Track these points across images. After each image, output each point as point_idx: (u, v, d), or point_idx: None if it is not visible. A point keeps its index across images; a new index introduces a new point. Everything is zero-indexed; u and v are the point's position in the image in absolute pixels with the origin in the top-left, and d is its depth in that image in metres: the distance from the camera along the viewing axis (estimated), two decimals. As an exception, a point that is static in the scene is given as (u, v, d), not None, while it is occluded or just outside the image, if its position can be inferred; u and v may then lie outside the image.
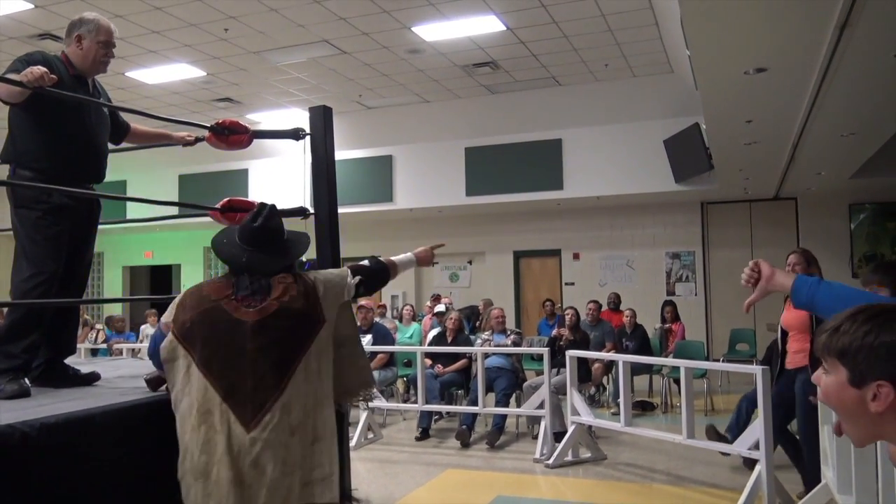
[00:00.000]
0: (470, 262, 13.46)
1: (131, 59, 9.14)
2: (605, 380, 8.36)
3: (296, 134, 3.95)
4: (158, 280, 16.10)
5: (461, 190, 11.46)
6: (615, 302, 9.69)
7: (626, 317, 8.42)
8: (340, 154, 11.25)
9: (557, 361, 6.73)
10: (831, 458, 4.03)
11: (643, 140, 10.34)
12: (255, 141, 4.01)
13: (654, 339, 8.91)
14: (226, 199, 3.68)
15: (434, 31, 8.54)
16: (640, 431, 5.64)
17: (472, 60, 9.64)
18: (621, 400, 5.51)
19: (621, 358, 5.74)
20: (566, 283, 12.54)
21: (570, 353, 6.04)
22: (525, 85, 10.85)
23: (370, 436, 6.71)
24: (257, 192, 11.81)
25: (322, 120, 3.89)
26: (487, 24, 8.32)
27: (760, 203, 11.35)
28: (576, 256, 12.52)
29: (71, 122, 2.93)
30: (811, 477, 4.53)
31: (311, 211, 3.90)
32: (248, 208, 3.67)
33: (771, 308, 10.83)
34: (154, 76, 9.80)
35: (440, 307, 9.01)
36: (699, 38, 4.55)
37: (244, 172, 12.67)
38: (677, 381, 8.57)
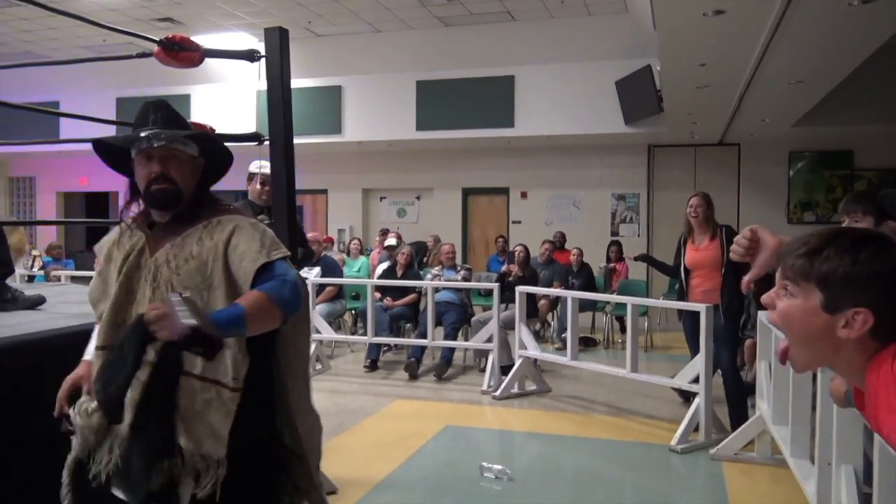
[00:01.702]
0: (418, 198, 13.40)
1: (65, -30, 8.58)
2: (549, 316, 8.55)
3: (250, 55, 3.80)
4: (94, 207, 15.55)
5: (411, 124, 11.30)
6: (560, 241, 9.83)
7: (574, 255, 8.57)
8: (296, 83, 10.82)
9: (506, 297, 6.83)
10: (766, 391, 4.24)
11: (595, 80, 10.33)
12: (201, 65, 3.85)
13: (599, 277, 9.11)
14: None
15: (389, -43, 8.26)
16: (584, 365, 5.81)
17: (428, -10, 9.39)
18: (568, 335, 5.65)
19: (570, 294, 5.87)
20: (513, 222, 12.63)
21: (520, 288, 6.13)
22: (480, 18, 10.65)
23: (318, 367, 6.74)
24: (200, 119, 11.37)
25: (278, 42, 3.76)
26: (445, -48, 8.09)
27: (705, 148, 11.56)
28: (523, 195, 12.58)
29: None
30: (737, 412, 4.81)
31: (266, 137, 3.80)
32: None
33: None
34: (90, -10, 9.24)
35: (391, 240, 8.97)
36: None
37: (186, 98, 12.17)
38: (619, 319, 8.87)
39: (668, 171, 11.83)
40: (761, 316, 4.47)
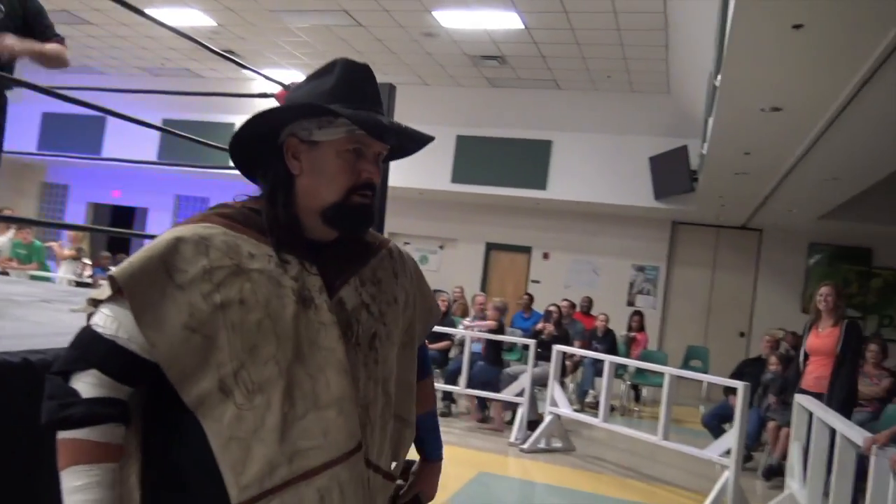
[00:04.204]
0: (441, 247, 13.69)
1: (145, -4, 9.00)
2: (569, 378, 8.74)
3: (359, 105, 4.13)
4: (119, 222, 15.83)
5: (447, 176, 11.67)
6: (587, 306, 10.09)
7: (601, 321, 8.80)
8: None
9: (537, 354, 7.04)
10: (797, 472, 4.44)
11: (629, 154, 10.73)
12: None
13: (622, 345, 9.33)
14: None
15: (453, 18, 8.69)
16: (617, 428, 5.99)
17: (482, 52, 9.83)
18: (602, 397, 5.85)
19: (608, 358, 6.08)
20: (532, 281, 12.90)
21: (558, 347, 6.35)
22: (526, 83, 11.11)
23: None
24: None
25: (387, 98, 4.07)
26: (507, 20, 8.52)
27: (728, 230, 11.90)
28: (545, 256, 12.88)
29: None
30: None
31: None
32: None
33: (723, 327, 11.28)
34: (164, 17, 9.63)
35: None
36: (734, 73, 4.86)
37: (230, 125, 12.59)
38: (635, 388, 9.07)
39: (689, 248, 12.14)
40: (799, 399, 4.68)
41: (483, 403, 7.03)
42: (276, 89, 3.89)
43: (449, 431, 6.52)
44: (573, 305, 9.25)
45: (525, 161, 11.28)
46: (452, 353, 7.74)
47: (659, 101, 10.77)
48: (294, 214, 1.21)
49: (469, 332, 7.05)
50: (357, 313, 1.23)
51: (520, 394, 6.46)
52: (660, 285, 12.21)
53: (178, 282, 1.11)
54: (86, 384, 1.07)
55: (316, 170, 1.20)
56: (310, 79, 1.28)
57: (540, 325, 7.62)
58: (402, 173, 11.96)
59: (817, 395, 4.92)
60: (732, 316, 11.68)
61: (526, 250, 13.01)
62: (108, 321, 1.11)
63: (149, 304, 1.09)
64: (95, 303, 1.14)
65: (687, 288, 12.00)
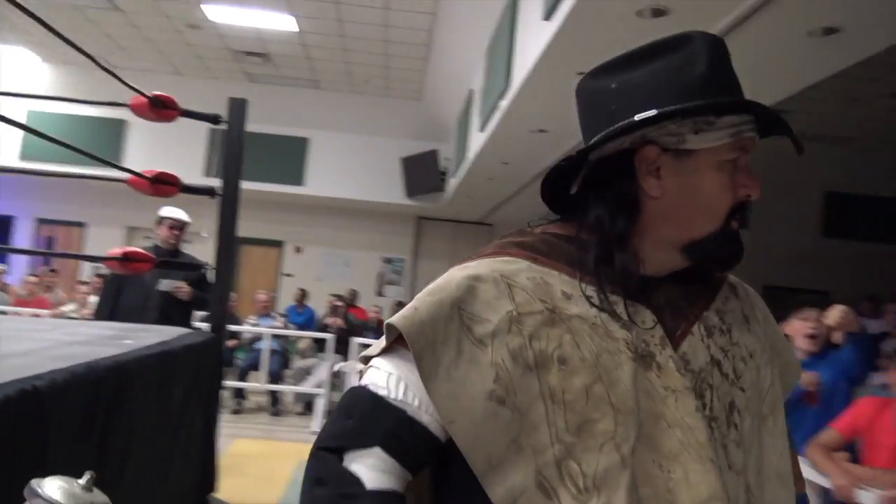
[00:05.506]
0: (188, 242, 13.20)
1: None
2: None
3: (215, 119, 4.25)
4: None
5: (199, 170, 11.39)
6: (353, 298, 10.69)
7: (374, 312, 9.44)
8: (72, 109, 10.70)
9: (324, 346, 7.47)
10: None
11: (383, 154, 11.49)
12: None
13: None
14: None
15: (223, 13, 8.61)
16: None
17: (248, 48, 9.83)
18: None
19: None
20: (285, 274, 13.11)
21: (359, 339, 6.85)
22: (286, 81, 11.28)
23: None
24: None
25: (241, 111, 4.31)
26: (282, 22, 8.69)
27: (465, 224, 13.29)
28: (298, 250, 13.16)
29: None
30: None
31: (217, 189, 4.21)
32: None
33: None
34: None
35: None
36: (520, 103, 5.75)
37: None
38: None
39: (432, 242, 13.32)
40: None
41: (275, 397, 7.27)
42: (130, 96, 3.83)
43: (249, 427, 6.68)
44: (344, 300, 9.79)
45: (282, 157, 11.46)
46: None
47: (412, 107, 11.69)
48: (634, 247, 0.92)
49: (273, 331, 7.24)
50: (707, 375, 0.91)
51: (318, 385, 6.85)
52: (406, 276, 13.23)
53: (477, 335, 0.86)
54: (368, 469, 0.82)
55: (686, 189, 0.90)
56: (644, 57, 0.91)
57: (331, 321, 8.02)
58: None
59: None
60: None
61: (277, 244, 13.16)
62: (391, 381, 0.87)
63: (442, 366, 0.84)
64: (368, 360, 0.94)
65: (431, 278, 12.90)
